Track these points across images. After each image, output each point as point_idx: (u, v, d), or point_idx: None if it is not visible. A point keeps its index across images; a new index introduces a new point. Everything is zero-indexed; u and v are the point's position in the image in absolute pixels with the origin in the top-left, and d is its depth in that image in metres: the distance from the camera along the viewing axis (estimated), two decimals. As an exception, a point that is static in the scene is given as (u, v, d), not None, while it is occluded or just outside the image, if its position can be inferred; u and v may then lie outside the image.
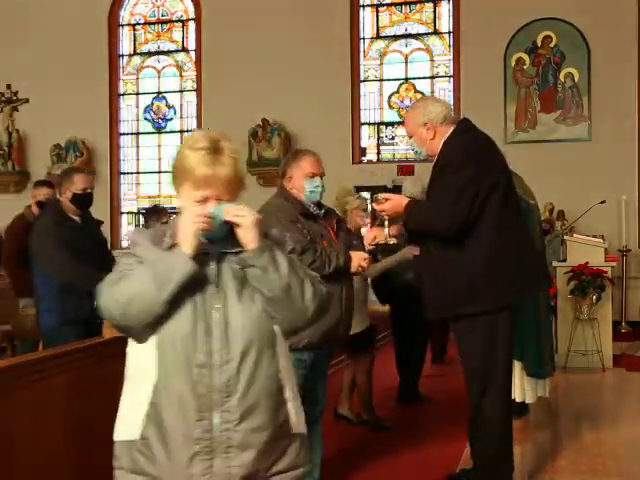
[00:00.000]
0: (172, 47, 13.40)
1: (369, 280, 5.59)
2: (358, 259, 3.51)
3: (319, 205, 3.60)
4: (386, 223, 3.72)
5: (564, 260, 7.67)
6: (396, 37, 12.32)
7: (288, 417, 2.00)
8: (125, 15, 13.48)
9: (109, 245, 6.13)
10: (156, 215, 5.77)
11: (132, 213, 13.41)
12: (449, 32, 12.01)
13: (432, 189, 3.64)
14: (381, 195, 3.64)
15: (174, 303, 1.91)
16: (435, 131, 3.64)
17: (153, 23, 13.46)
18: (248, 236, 1.91)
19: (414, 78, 12.25)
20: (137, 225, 12.73)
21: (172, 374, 1.91)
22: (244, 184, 2.01)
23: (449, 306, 3.59)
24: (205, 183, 1.93)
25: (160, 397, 1.92)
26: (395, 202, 3.60)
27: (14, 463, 2.99)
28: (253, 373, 1.93)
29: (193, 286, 1.92)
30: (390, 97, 12.32)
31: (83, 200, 4.47)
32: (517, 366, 5.09)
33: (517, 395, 5.13)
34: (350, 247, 3.61)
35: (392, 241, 3.72)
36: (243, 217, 1.91)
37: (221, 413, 1.90)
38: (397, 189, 8.32)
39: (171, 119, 13.35)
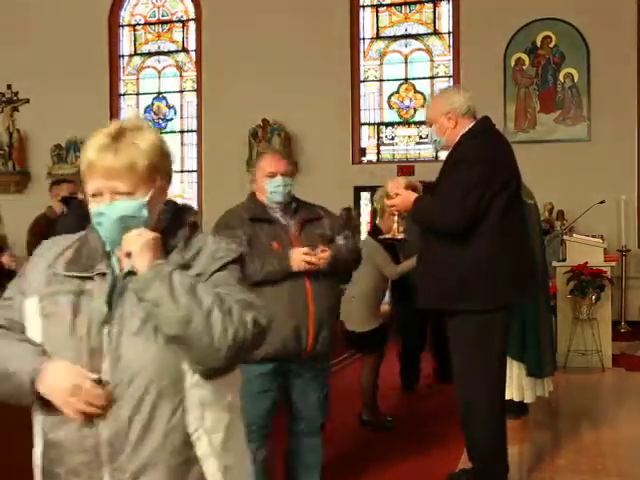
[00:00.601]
0: (172, 47, 13.40)
1: (389, 281, 5.55)
2: (297, 256, 3.16)
3: (290, 204, 3.34)
4: (395, 218, 3.75)
5: (563, 260, 7.67)
6: (396, 37, 12.31)
7: (204, 478, 1.65)
8: (125, 15, 13.48)
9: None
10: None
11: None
12: (449, 32, 12.01)
13: (441, 184, 3.65)
14: (392, 190, 3.67)
15: (52, 338, 1.64)
16: (457, 121, 3.66)
17: (153, 23, 13.45)
18: (136, 263, 1.60)
19: (414, 78, 12.24)
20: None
21: (57, 425, 1.65)
22: (156, 175, 1.69)
23: (446, 301, 3.60)
24: (89, 171, 1.66)
25: (49, 450, 1.68)
26: (404, 197, 3.64)
27: (14, 463, 3.00)
28: (148, 424, 1.60)
29: (79, 319, 1.64)
30: (390, 97, 12.31)
31: None
32: (515, 366, 5.10)
33: (516, 395, 5.13)
34: (330, 242, 3.31)
35: (400, 236, 3.74)
36: (131, 244, 1.61)
37: (112, 472, 1.61)
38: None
39: (171, 119, 13.35)
